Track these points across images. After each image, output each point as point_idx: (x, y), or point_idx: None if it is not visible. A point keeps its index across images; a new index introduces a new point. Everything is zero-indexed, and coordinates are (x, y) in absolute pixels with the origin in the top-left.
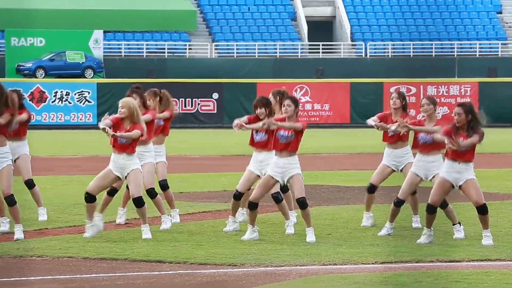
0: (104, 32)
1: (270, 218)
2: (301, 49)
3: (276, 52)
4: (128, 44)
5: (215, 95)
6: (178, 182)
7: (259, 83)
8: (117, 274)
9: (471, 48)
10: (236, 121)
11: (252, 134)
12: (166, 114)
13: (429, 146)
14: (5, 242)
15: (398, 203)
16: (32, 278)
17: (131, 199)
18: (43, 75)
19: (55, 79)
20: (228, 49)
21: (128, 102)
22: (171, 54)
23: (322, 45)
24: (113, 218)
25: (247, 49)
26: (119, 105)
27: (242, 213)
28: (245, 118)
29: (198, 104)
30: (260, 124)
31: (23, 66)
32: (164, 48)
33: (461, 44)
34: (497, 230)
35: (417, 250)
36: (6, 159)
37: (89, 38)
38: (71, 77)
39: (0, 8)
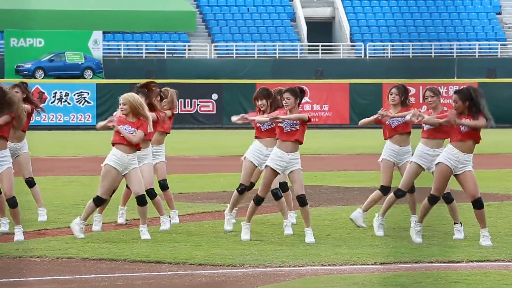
0: (104, 32)
1: (269, 219)
2: (301, 49)
3: (275, 53)
4: (128, 45)
5: (215, 96)
6: (177, 182)
7: (258, 84)
8: (116, 275)
9: (470, 49)
10: (235, 118)
11: (256, 125)
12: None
13: (434, 133)
14: (4, 243)
15: (400, 195)
16: (31, 278)
17: (130, 198)
18: (42, 75)
19: (54, 79)
20: (227, 50)
21: (128, 97)
22: (171, 55)
23: (322, 46)
24: (112, 219)
25: (246, 50)
26: (120, 101)
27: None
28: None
29: (198, 104)
30: (262, 118)
31: (22, 66)
32: (163, 49)
33: (460, 45)
34: (496, 230)
35: (416, 250)
36: (6, 162)
37: (89, 38)
38: (71, 78)
39: None
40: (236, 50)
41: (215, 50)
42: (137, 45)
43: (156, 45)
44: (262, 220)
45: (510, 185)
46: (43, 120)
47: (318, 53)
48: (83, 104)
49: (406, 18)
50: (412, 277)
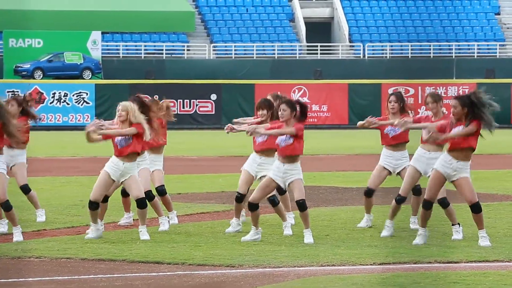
0: (102, 33)
1: (268, 219)
2: (299, 50)
3: (274, 53)
4: (126, 45)
5: (213, 96)
6: (176, 183)
7: (257, 84)
8: (116, 275)
9: (469, 49)
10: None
11: (254, 138)
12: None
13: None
14: (3, 243)
15: (400, 201)
16: (30, 279)
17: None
18: (41, 76)
19: (53, 80)
20: (226, 50)
21: (127, 105)
22: (169, 55)
23: (320, 46)
24: (111, 220)
25: (245, 50)
26: (119, 108)
27: (242, 215)
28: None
29: (196, 105)
30: (246, 127)
31: (21, 67)
32: (162, 49)
33: (459, 45)
34: (495, 231)
35: (415, 251)
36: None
37: (87, 39)
38: (69, 78)
39: None
40: (235, 50)
41: (214, 50)
42: (136, 46)
43: (155, 46)
44: (261, 220)
45: (509, 186)
46: (42, 120)
47: (317, 53)
48: (82, 105)
49: (405, 19)
50: (411, 277)
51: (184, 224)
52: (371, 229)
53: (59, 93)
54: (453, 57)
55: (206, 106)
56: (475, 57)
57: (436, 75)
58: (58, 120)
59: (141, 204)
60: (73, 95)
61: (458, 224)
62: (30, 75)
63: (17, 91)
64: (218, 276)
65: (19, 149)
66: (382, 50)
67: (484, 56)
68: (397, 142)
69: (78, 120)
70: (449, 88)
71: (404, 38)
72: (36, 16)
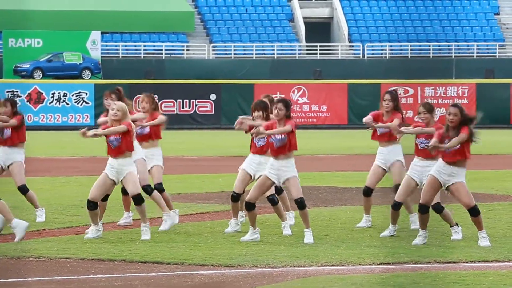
0: (102, 33)
1: (268, 219)
2: (299, 50)
3: (273, 53)
4: (126, 45)
5: (213, 96)
6: (176, 183)
7: (256, 84)
8: (115, 275)
9: (468, 49)
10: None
11: (252, 140)
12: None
13: (427, 151)
14: (3, 243)
15: (395, 206)
16: (30, 279)
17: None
18: (41, 76)
19: (52, 80)
20: (225, 50)
21: (122, 105)
22: (169, 55)
23: (320, 46)
24: (111, 220)
25: (244, 50)
26: (114, 107)
27: (241, 216)
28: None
29: (196, 105)
30: (258, 125)
31: (21, 67)
32: (161, 49)
33: (458, 46)
34: (494, 231)
35: (414, 251)
36: None
37: (87, 39)
38: (69, 78)
39: None
40: (235, 50)
41: (213, 50)
42: (135, 46)
43: (154, 46)
44: (260, 220)
45: (509, 186)
46: (41, 120)
47: (316, 53)
48: (81, 105)
49: (405, 19)
50: (411, 277)
51: (184, 224)
52: (370, 229)
53: (59, 93)
54: (453, 57)
55: (206, 106)
56: (475, 57)
57: (436, 75)
58: (57, 120)
59: (136, 200)
60: (72, 95)
61: (457, 224)
62: (30, 75)
63: (17, 91)
64: (217, 276)
65: (16, 147)
66: (382, 50)
67: (484, 56)
68: (387, 140)
69: (78, 120)
70: (449, 88)
71: (404, 38)
72: (35, 16)
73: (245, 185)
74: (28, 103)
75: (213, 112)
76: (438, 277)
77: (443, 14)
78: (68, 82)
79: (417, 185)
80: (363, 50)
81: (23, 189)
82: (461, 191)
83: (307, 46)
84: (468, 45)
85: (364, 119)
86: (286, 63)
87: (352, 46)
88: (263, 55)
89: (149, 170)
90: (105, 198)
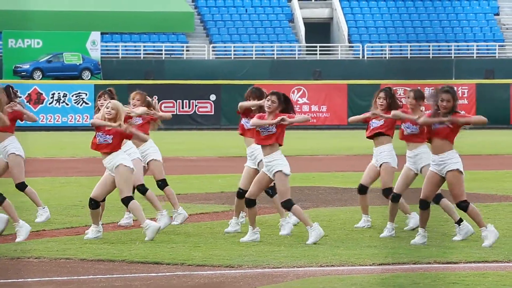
0: (102, 33)
1: (267, 220)
2: (299, 50)
3: (273, 54)
4: (126, 46)
5: (213, 97)
6: (176, 183)
7: (256, 85)
8: (115, 276)
9: (468, 49)
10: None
11: (241, 123)
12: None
13: (413, 137)
14: (2, 244)
15: (394, 198)
16: (30, 279)
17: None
18: (41, 76)
19: (52, 80)
20: (225, 50)
21: (117, 104)
22: (169, 56)
23: (320, 46)
24: (110, 220)
25: (244, 50)
26: (109, 106)
27: (241, 216)
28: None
29: (196, 105)
30: (267, 121)
31: (21, 67)
32: (161, 50)
33: (458, 46)
34: None
35: (414, 251)
36: None
37: (87, 39)
38: (69, 79)
39: None
40: (234, 51)
41: (213, 51)
42: (135, 46)
43: (154, 46)
44: (260, 221)
45: (508, 186)
46: (41, 121)
47: (316, 54)
48: (81, 105)
49: (404, 19)
50: (410, 278)
51: (184, 224)
52: (370, 230)
53: (58, 93)
54: (452, 57)
55: (206, 107)
56: (474, 57)
57: (436, 75)
58: (57, 121)
59: (124, 203)
60: (72, 96)
61: (460, 220)
62: (30, 76)
63: (16, 92)
64: (217, 276)
65: (6, 139)
66: (382, 50)
67: (483, 56)
68: (379, 134)
69: (77, 121)
70: None
71: (404, 38)
72: (35, 16)
73: (251, 180)
74: (28, 103)
75: (213, 113)
76: (438, 278)
77: (443, 15)
78: (68, 83)
79: (416, 174)
80: (363, 50)
81: (21, 187)
82: (450, 183)
83: (307, 47)
84: (468, 46)
85: (369, 113)
86: (286, 64)
87: (352, 47)
88: (263, 56)
89: (147, 165)
90: (103, 199)
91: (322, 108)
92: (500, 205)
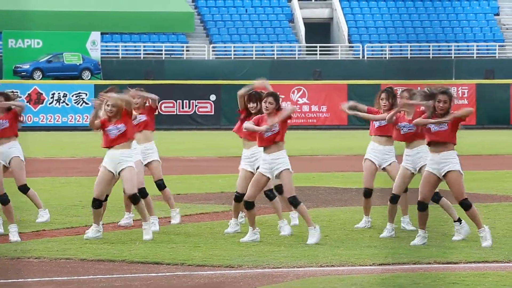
0: (102, 33)
1: (267, 220)
2: (299, 51)
3: (273, 54)
4: (126, 46)
5: (213, 97)
6: (176, 183)
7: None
8: (115, 276)
9: (468, 50)
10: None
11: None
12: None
13: (412, 136)
14: (2, 244)
15: (393, 199)
16: (30, 279)
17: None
18: (41, 76)
19: (52, 80)
20: (225, 50)
21: (116, 100)
22: (169, 56)
23: (320, 47)
24: (111, 220)
25: (244, 50)
26: (109, 104)
27: (241, 216)
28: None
29: (196, 105)
30: (263, 127)
31: (21, 67)
32: (161, 50)
33: (458, 46)
34: (494, 232)
35: (414, 251)
36: None
37: (87, 39)
38: (69, 79)
39: None
40: (234, 51)
41: (213, 51)
42: (135, 46)
43: (154, 46)
44: (260, 221)
45: (508, 186)
46: (41, 121)
47: (316, 54)
48: (81, 105)
49: (404, 19)
50: (410, 278)
51: (184, 224)
52: (370, 230)
53: (58, 93)
54: (453, 57)
55: (206, 107)
56: (475, 57)
57: (436, 75)
58: (57, 121)
59: (133, 199)
60: (72, 96)
61: (459, 220)
62: (30, 76)
63: (17, 92)
64: (217, 276)
65: (10, 143)
66: (382, 50)
67: (484, 56)
68: (380, 134)
69: (78, 121)
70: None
71: (404, 38)
72: (35, 16)
73: (248, 183)
74: (28, 103)
75: (213, 113)
76: (438, 278)
77: (443, 15)
78: (68, 83)
79: (413, 174)
80: (363, 50)
81: (24, 189)
82: (451, 182)
83: (307, 47)
84: (468, 46)
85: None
86: (286, 64)
87: (352, 47)
88: (263, 56)
89: (147, 165)
90: (105, 198)
91: (322, 108)
92: (500, 205)
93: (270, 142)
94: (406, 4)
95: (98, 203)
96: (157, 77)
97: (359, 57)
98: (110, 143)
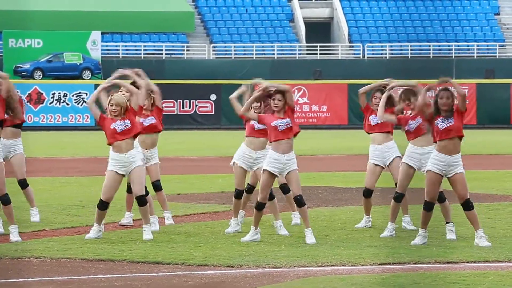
0: (102, 33)
1: (268, 220)
2: (299, 50)
3: (274, 54)
4: (126, 46)
5: (213, 97)
6: (176, 183)
7: (257, 85)
8: (115, 276)
9: (468, 49)
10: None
11: (251, 124)
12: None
13: (418, 130)
14: (3, 244)
15: (397, 198)
16: (30, 279)
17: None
18: (41, 76)
19: (52, 80)
20: (225, 50)
21: (119, 99)
22: (169, 56)
23: (320, 46)
24: (111, 220)
25: (244, 50)
26: (113, 104)
27: (241, 216)
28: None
29: (196, 105)
30: (253, 96)
31: (21, 67)
32: (162, 50)
33: (458, 46)
34: (494, 231)
35: (415, 251)
36: None
37: (87, 39)
38: (69, 79)
39: None
40: (235, 50)
41: (213, 50)
42: (135, 46)
43: (154, 46)
44: (260, 221)
45: (509, 186)
46: (42, 121)
47: (316, 53)
48: (81, 105)
49: (405, 19)
50: (411, 277)
51: (184, 224)
52: (370, 230)
53: (59, 93)
54: (453, 57)
55: (206, 107)
56: (475, 57)
57: (436, 75)
58: (57, 121)
59: (140, 201)
60: (72, 96)
61: (452, 222)
62: (30, 76)
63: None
64: (217, 276)
65: (15, 139)
66: (382, 50)
67: (484, 56)
68: (379, 131)
69: (78, 121)
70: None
71: (404, 38)
72: (35, 16)
73: (244, 179)
74: (28, 103)
75: (213, 113)
76: (439, 277)
77: (443, 14)
78: (68, 83)
79: (415, 170)
80: (363, 50)
81: (23, 184)
82: (458, 182)
83: (307, 46)
84: (468, 45)
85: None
86: (286, 63)
87: (352, 47)
88: (263, 55)
89: (147, 167)
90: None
91: (323, 108)
92: (500, 205)
93: (286, 135)
94: (407, 3)
95: (106, 205)
96: (157, 77)
97: (359, 57)
98: (116, 138)
